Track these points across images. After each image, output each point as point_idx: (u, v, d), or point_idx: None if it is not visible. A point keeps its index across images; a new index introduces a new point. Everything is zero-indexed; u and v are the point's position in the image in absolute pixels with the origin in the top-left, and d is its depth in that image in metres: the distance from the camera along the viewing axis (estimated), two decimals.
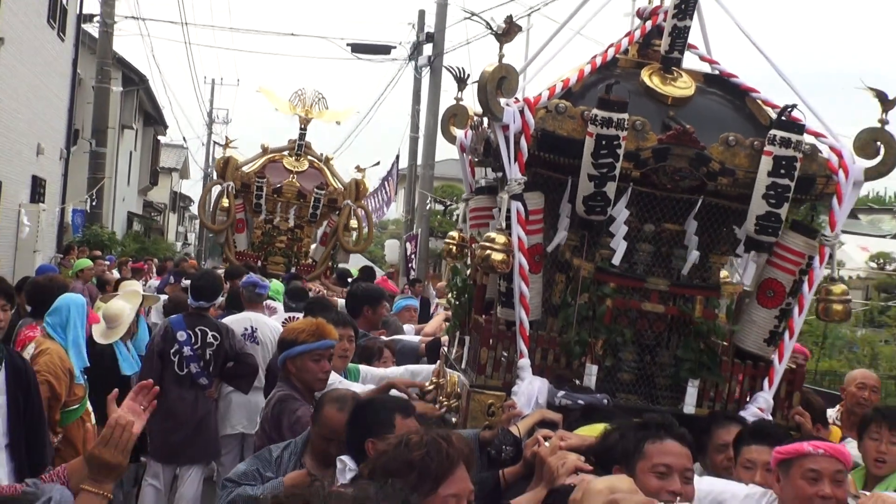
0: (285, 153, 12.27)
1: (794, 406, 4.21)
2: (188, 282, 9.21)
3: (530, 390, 3.87)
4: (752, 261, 4.20)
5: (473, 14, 4.61)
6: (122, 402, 2.79)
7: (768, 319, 4.24)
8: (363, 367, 5.19)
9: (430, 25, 21.79)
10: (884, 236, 24.97)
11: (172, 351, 6.42)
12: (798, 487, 3.27)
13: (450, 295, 5.22)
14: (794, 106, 4.00)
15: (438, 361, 4.98)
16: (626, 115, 3.75)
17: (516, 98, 3.94)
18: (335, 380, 4.65)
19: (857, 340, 15.88)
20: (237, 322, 7.28)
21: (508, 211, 3.93)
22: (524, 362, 3.93)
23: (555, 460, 2.96)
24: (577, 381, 3.98)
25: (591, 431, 3.31)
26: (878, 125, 4.04)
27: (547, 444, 3.11)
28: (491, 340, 4.06)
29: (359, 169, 12.94)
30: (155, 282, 14.30)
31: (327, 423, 3.76)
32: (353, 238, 12.42)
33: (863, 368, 7.45)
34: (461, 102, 4.72)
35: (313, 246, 12.50)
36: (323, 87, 12.75)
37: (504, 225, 3.95)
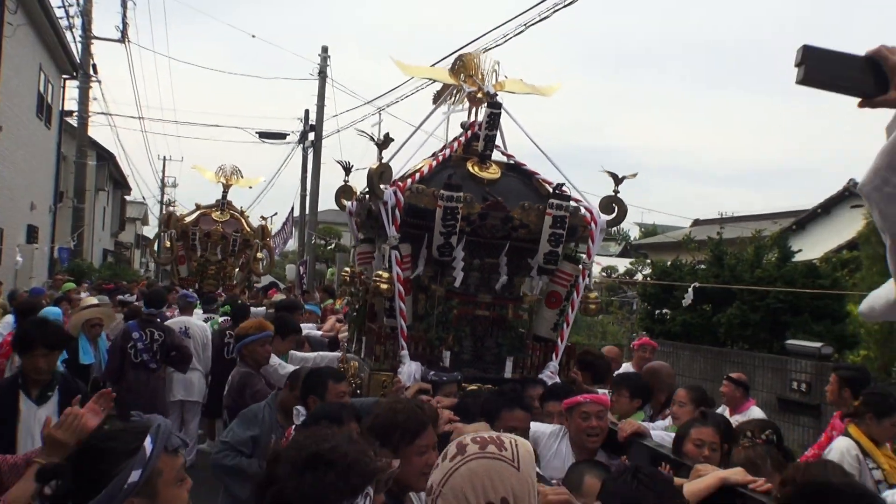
0: (213, 208, 16.52)
1: (572, 369, 6.07)
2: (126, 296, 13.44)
3: (409, 370, 5.47)
4: (540, 280, 5.96)
5: (362, 131, 6.11)
6: (86, 404, 3.28)
7: (552, 316, 6.07)
8: (291, 352, 6.93)
9: (312, 119, 29.44)
10: (611, 255, 34.32)
11: (129, 346, 8.36)
12: (577, 424, 4.45)
13: (349, 309, 7.05)
14: (562, 184, 5.83)
15: (341, 352, 6.84)
16: (461, 194, 5.47)
17: (392, 182, 5.63)
18: (275, 361, 6.45)
19: (595, 323, 19.69)
20: (175, 323, 9.56)
21: (390, 256, 5.58)
22: (404, 353, 5.58)
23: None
24: (441, 363, 5.64)
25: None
26: (613, 194, 6.00)
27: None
28: (382, 339, 5.79)
29: (263, 218, 17.76)
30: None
31: (335, 393, 4.76)
32: (263, 265, 16.87)
33: (610, 345, 9.51)
34: (348, 183, 6.64)
35: (236, 271, 16.28)
36: (239, 162, 18.71)
37: (387, 265, 5.59)
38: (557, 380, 5.83)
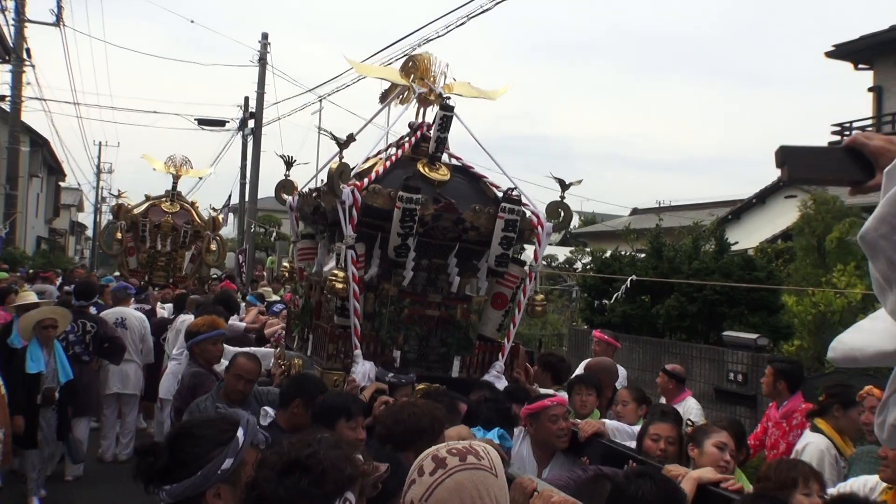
0: (163, 199, 16.14)
1: (515, 368, 6.15)
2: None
3: (364, 370, 5.46)
4: (486, 281, 6.11)
5: (323, 130, 6.01)
6: None
7: (497, 317, 6.17)
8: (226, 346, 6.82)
9: (252, 107, 29.18)
10: (550, 244, 31.93)
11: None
12: (547, 427, 4.61)
13: (293, 307, 6.96)
14: (514, 189, 5.95)
15: (279, 348, 6.76)
16: (420, 196, 5.49)
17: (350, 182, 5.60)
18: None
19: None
20: (111, 314, 9.38)
21: (345, 255, 5.54)
22: (358, 352, 5.56)
23: None
24: (395, 364, 5.67)
25: None
26: (559, 199, 6.18)
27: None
28: (334, 338, 5.75)
29: (213, 209, 17.36)
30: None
31: (238, 366, 5.40)
32: (214, 257, 16.52)
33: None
34: (289, 178, 6.57)
35: (186, 263, 15.91)
36: (178, 149, 18.70)
37: (343, 265, 5.55)
38: (503, 379, 5.95)
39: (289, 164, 6.43)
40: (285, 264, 7.10)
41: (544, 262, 27.44)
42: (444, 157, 6.36)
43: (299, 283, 6.62)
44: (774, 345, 11.73)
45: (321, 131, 6.68)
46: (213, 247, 16.72)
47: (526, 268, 6.22)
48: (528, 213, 6.15)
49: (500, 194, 6.09)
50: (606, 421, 5.26)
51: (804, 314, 11.53)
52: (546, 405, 4.77)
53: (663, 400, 6.99)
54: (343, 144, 5.65)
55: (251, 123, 29.48)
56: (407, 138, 6.33)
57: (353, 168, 5.91)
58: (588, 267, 18.65)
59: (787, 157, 1.74)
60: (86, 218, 65.44)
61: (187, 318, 8.39)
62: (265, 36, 29.03)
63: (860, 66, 25.02)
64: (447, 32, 14.41)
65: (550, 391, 5.89)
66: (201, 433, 2.58)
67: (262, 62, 28.62)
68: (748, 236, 20.29)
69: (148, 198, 16.77)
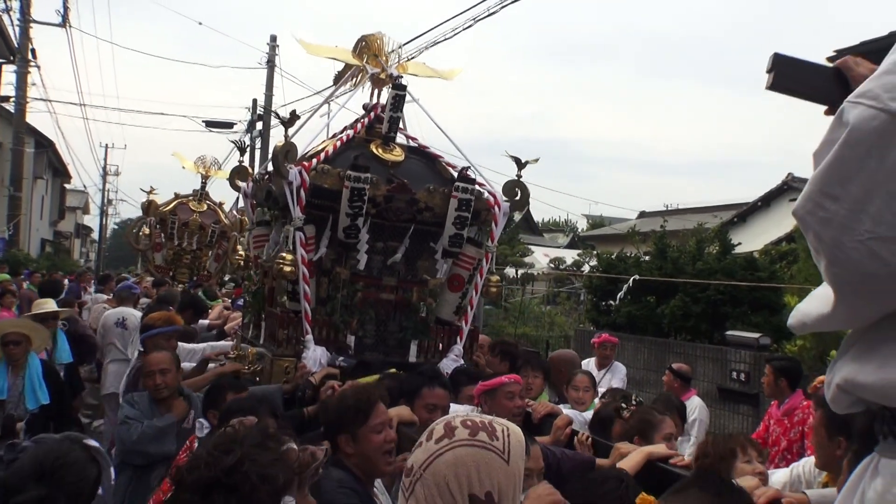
0: (191, 198, 16.29)
1: (475, 353, 6.12)
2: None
3: (315, 356, 5.32)
4: (444, 263, 5.95)
5: (270, 110, 5.98)
6: None
7: (455, 299, 6.03)
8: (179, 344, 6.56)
9: (260, 109, 29.20)
10: (559, 247, 35.33)
11: None
12: (503, 404, 4.51)
13: (245, 294, 6.84)
14: (468, 168, 5.84)
15: (235, 339, 6.62)
16: (369, 175, 5.37)
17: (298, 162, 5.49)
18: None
19: (543, 314, 20.09)
20: (113, 314, 9.20)
21: (294, 238, 5.40)
22: (309, 337, 5.42)
23: None
24: (349, 349, 5.56)
25: (368, 380, 4.58)
26: (516, 178, 6.05)
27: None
28: (285, 324, 5.63)
29: (238, 212, 16.74)
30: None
31: (146, 363, 5.19)
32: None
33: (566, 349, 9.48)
34: (243, 164, 6.45)
35: (210, 262, 16.03)
36: (185, 150, 17.52)
37: (291, 247, 5.43)
38: (462, 363, 5.82)
39: (242, 149, 6.31)
40: (241, 253, 6.96)
41: (552, 265, 27.57)
42: (403, 140, 6.28)
43: (254, 270, 6.47)
44: (777, 344, 11.70)
45: (275, 116, 6.48)
46: (240, 248, 16.35)
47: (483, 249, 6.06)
48: (486, 194, 6.02)
49: (456, 174, 5.96)
50: (561, 407, 5.21)
51: None
52: (503, 381, 4.67)
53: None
54: (287, 122, 5.53)
55: (259, 125, 29.34)
56: (360, 119, 6.20)
57: (307, 151, 5.80)
58: (594, 269, 18.77)
59: (778, 64, 1.77)
60: (91, 221, 65.16)
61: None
62: (273, 38, 28.87)
63: None
64: (454, 35, 14.46)
65: None
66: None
67: (271, 64, 28.45)
68: (753, 239, 20.21)
69: (177, 196, 16.84)
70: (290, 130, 5.55)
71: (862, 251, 1.48)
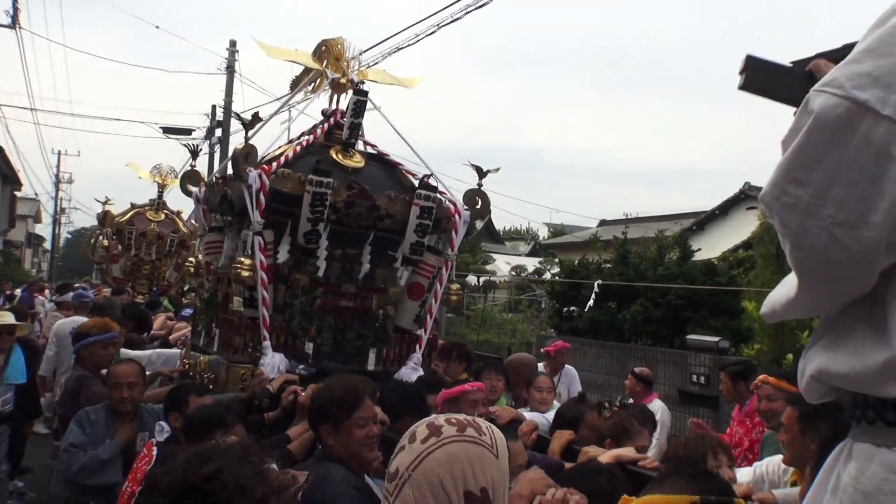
0: (148, 207, 15.95)
1: (433, 361, 6.07)
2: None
3: (273, 362, 5.22)
4: (405, 271, 5.92)
5: (235, 113, 5.92)
6: None
7: (414, 307, 5.95)
8: (124, 350, 6.52)
9: (220, 115, 28.19)
10: (520, 255, 35.81)
11: None
12: (465, 412, 4.55)
13: (198, 302, 6.70)
14: (430, 175, 5.83)
15: (184, 349, 6.49)
16: (331, 180, 5.31)
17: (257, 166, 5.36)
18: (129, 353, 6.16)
19: (505, 321, 20.30)
20: (68, 323, 8.82)
21: (252, 242, 5.30)
22: (267, 343, 5.31)
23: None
24: (308, 356, 5.47)
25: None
26: (477, 187, 6.06)
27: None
28: (241, 330, 5.53)
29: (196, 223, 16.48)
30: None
31: (114, 374, 5.15)
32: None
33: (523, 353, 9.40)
34: (195, 168, 6.33)
35: (170, 272, 15.67)
36: (142, 157, 18.09)
37: (249, 252, 5.32)
38: (420, 371, 5.78)
39: (194, 153, 6.21)
40: (191, 259, 6.84)
41: (513, 273, 27.71)
42: (362, 146, 6.23)
43: (206, 277, 6.35)
44: (735, 348, 11.92)
45: (235, 116, 6.39)
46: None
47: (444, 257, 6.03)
48: (446, 203, 5.99)
49: (416, 182, 5.92)
50: (522, 411, 5.23)
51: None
52: (466, 389, 4.68)
53: (631, 402, 6.94)
54: (248, 125, 5.44)
55: (218, 132, 28.37)
56: (320, 125, 6.13)
57: (266, 156, 5.72)
58: (557, 276, 19.05)
59: (749, 66, 1.80)
60: (43, 230, 64.14)
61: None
62: (233, 43, 28.22)
63: None
64: (417, 41, 14.41)
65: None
66: None
67: (230, 70, 27.75)
68: (712, 247, 20.61)
69: (133, 206, 16.52)
70: (250, 133, 5.44)
71: (825, 236, 1.51)
